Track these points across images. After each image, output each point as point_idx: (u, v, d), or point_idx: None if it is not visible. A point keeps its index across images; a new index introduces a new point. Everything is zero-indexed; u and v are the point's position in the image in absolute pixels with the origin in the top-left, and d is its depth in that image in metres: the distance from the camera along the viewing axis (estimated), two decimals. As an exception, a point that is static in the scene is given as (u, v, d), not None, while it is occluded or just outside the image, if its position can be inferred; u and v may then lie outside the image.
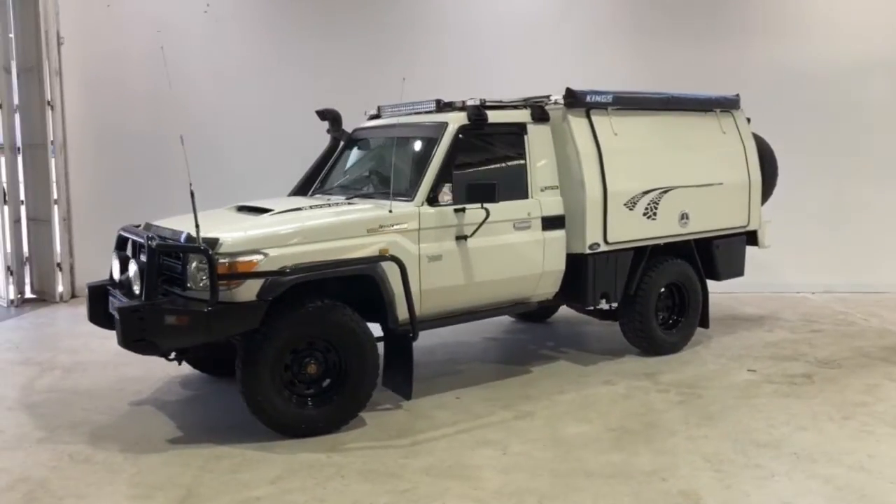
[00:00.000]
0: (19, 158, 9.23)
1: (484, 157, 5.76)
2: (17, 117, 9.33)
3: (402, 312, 5.06)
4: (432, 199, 5.29)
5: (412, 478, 4.16)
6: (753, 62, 9.20)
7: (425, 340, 6.89)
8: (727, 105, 7.04)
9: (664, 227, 6.41)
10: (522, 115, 5.86)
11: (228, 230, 4.70)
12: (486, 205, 5.33)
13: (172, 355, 4.93)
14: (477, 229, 5.33)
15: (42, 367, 6.36)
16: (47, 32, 9.07)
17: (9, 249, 8.92)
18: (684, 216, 6.52)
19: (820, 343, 7.01)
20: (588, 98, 6.02)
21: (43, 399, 5.55)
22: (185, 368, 5.82)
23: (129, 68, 9.40)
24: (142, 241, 4.71)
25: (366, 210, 5.15)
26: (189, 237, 4.62)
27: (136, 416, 5.19)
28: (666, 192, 6.39)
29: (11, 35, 9.18)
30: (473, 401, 5.44)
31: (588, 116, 6.06)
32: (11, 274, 8.95)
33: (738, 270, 7.20)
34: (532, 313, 7.64)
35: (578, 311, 6.85)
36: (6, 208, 8.96)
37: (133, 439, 4.74)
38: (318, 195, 6.10)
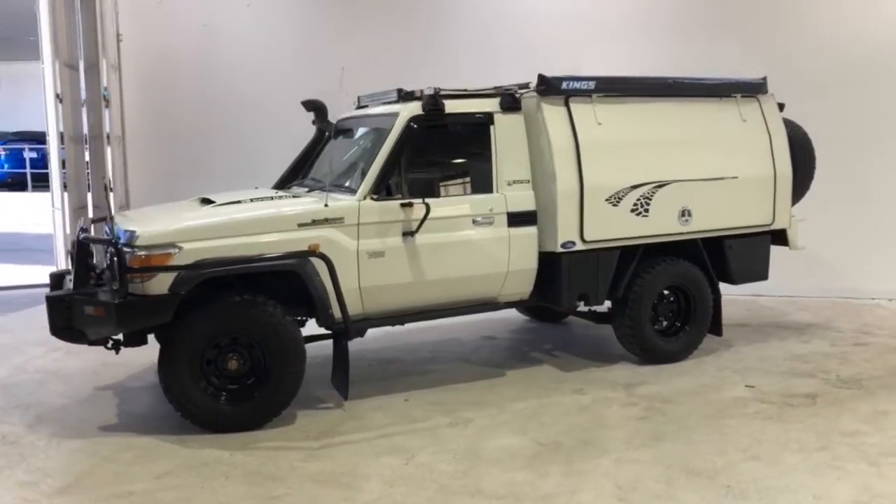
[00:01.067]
0: (85, 149, 9.84)
1: (441, 150, 5.48)
2: (83, 111, 9.95)
3: (337, 310, 4.91)
4: (377, 193, 5.09)
5: (294, 483, 4.02)
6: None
7: (412, 338, 6.76)
8: (750, 89, 6.34)
9: (659, 225, 5.87)
10: (489, 105, 5.52)
11: (150, 223, 4.73)
12: (428, 200, 5.06)
13: (109, 344, 5.00)
14: (420, 226, 5.08)
15: (49, 347, 6.70)
16: (104, 30, 9.57)
17: (68, 233, 9.52)
18: (686, 213, 5.94)
19: (855, 358, 6.21)
20: (564, 85, 5.58)
21: (25, 378, 5.86)
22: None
23: (178, 63, 9.76)
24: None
25: (301, 204, 5.04)
26: (125, 232, 4.70)
27: (92, 401, 5.35)
28: (661, 186, 5.84)
29: (79, 34, 9.77)
30: (419, 404, 5.22)
31: (567, 105, 5.62)
32: (72, 258, 9.54)
33: (759, 273, 6.49)
34: (546, 313, 7.28)
35: (569, 313, 6.43)
36: (66, 195, 9.56)
37: (69, 424, 4.90)
38: (294, 186, 6.04)
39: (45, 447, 4.54)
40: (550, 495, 3.86)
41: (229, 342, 4.73)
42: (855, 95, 8.18)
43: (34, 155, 19.02)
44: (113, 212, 5.39)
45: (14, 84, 25.40)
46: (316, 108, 6.43)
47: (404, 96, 5.47)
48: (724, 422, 4.86)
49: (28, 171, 19.27)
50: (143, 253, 4.51)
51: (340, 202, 5.01)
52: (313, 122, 6.50)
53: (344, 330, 4.98)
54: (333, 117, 6.35)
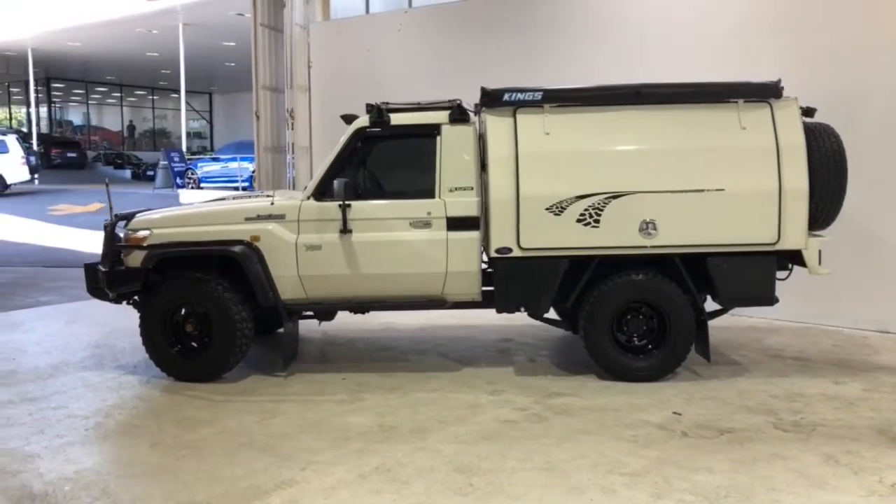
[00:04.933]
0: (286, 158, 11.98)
1: (385, 157, 6.05)
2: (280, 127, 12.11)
3: (281, 294, 5.84)
4: (321, 195, 5.89)
5: (162, 421, 5.06)
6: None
7: (434, 332, 7.34)
8: (755, 93, 5.78)
9: (612, 237, 5.71)
10: (437, 117, 5.95)
11: (146, 214, 6.14)
12: (352, 201, 5.72)
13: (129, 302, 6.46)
14: (344, 224, 5.75)
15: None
16: (295, 58, 11.56)
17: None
18: (648, 225, 5.69)
19: (865, 406, 5.34)
20: (506, 97, 5.77)
21: (129, 328, 7.69)
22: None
23: (349, 82, 11.36)
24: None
25: (251, 201, 6.05)
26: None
27: (137, 349, 6.92)
28: (616, 197, 5.68)
29: (287, 62, 11.93)
30: (348, 384, 5.86)
31: (514, 116, 5.81)
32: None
33: (759, 296, 5.86)
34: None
35: (540, 320, 6.46)
36: (261, 196, 11.74)
37: (101, 359, 6.54)
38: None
39: (68, 373, 6.17)
40: (316, 462, 4.35)
41: (191, 310, 5.93)
42: None
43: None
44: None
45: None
46: (352, 120, 7.35)
47: (368, 110, 6.17)
48: (580, 437, 4.75)
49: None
50: (128, 234, 5.93)
51: (286, 201, 5.92)
52: (349, 134, 7.43)
53: (286, 311, 5.87)
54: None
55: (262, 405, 5.39)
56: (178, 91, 40.01)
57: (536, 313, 5.99)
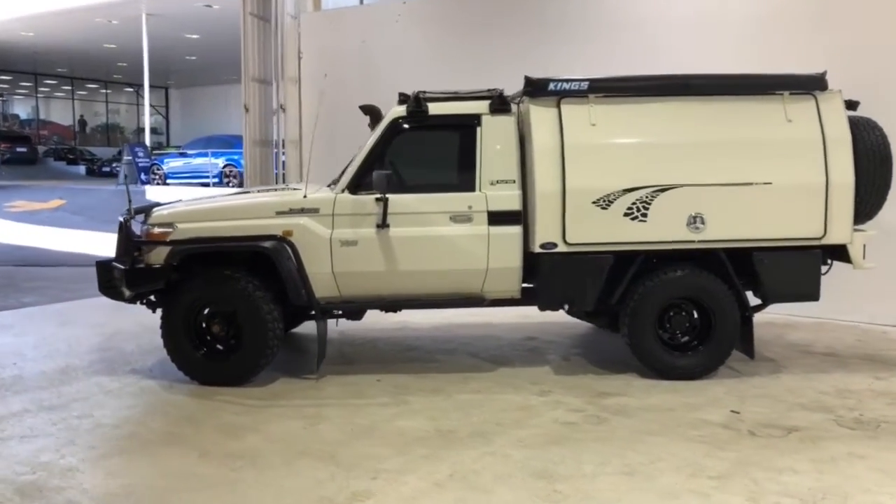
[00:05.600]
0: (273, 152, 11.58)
1: (424, 149, 5.80)
2: (274, 119, 11.70)
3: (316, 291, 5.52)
4: (356, 188, 5.60)
5: (202, 428, 4.73)
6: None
7: (453, 331, 7.10)
8: (801, 85, 5.68)
9: (660, 231, 5.56)
10: (477, 107, 5.71)
11: (167, 208, 5.76)
12: (391, 195, 5.44)
13: (145, 302, 6.05)
14: (383, 218, 5.48)
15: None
16: (285, 49, 11.17)
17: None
18: (697, 219, 5.55)
19: (914, 401, 5.29)
20: (551, 86, 5.57)
21: (129, 330, 7.26)
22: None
23: (343, 74, 11.02)
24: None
25: (284, 195, 5.72)
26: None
27: (148, 349, 6.52)
28: (663, 190, 5.53)
29: (275, 54, 11.51)
30: (385, 386, 5.60)
31: (559, 106, 5.60)
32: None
33: (804, 292, 5.76)
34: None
35: (577, 317, 6.30)
36: (250, 191, 11.33)
37: (112, 364, 6.14)
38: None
39: (80, 379, 5.76)
40: (384, 470, 4.09)
41: (217, 310, 5.58)
42: None
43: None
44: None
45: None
46: (371, 111, 7.06)
47: (402, 100, 5.90)
48: (650, 438, 4.58)
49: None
50: (149, 229, 5.55)
51: (319, 194, 5.62)
52: (368, 125, 7.14)
53: (318, 309, 5.56)
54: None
55: (302, 410, 5.09)
56: (132, 85, 38.93)
57: (581, 310, 5.80)
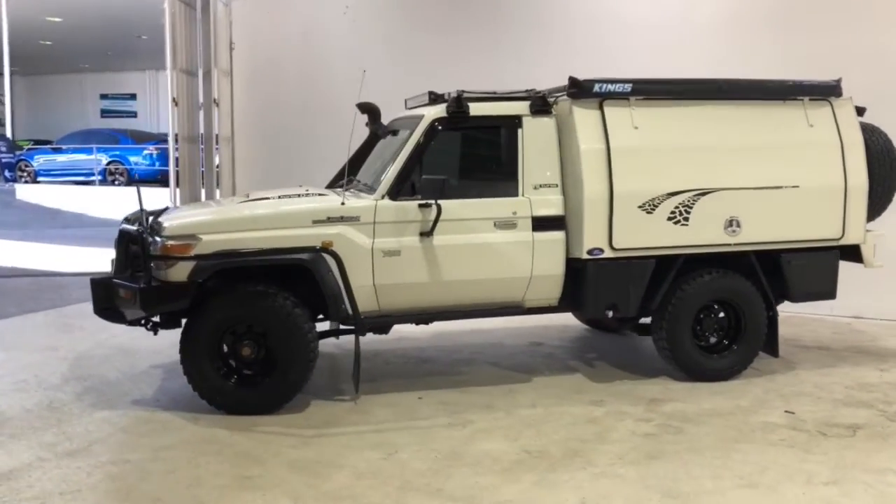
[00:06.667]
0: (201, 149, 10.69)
1: (465, 152, 5.50)
2: (201, 114, 10.82)
3: (349, 306, 5.06)
4: (396, 193, 5.20)
5: (271, 467, 4.21)
6: None
7: (455, 339, 6.82)
8: (820, 92, 5.86)
9: (700, 235, 5.56)
10: (517, 108, 5.48)
11: (182, 216, 5.10)
12: (442, 201, 5.09)
13: (148, 325, 5.36)
14: (433, 226, 5.13)
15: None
16: (217, 39, 10.35)
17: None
18: (733, 223, 5.60)
19: (935, 391, 5.59)
20: (596, 88, 5.43)
21: (99, 353, 6.44)
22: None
23: (281, 68, 10.37)
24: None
25: (318, 201, 5.23)
26: (156, 223, 5.10)
27: (140, 377, 5.80)
28: (704, 194, 5.54)
29: (199, 43, 10.63)
30: (431, 403, 5.27)
31: (601, 108, 5.47)
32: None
33: (824, 291, 5.98)
34: (603, 323, 7.09)
35: (606, 323, 6.23)
36: (178, 191, 10.42)
37: (111, 396, 5.37)
38: (339, 187, 6.26)
39: (79, 415, 5.00)
40: (507, 502, 3.79)
41: (245, 330, 5.00)
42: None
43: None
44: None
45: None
46: (369, 110, 6.61)
47: (434, 99, 5.55)
48: (739, 446, 4.55)
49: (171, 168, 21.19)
50: (166, 243, 4.88)
51: (357, 201, 5.17)
52: (366, 125, 6.70)
53: (358, 326, 5.12)
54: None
55: (364, 437, 4.66)
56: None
57: (625, 316, 5.71)
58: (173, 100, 10.14)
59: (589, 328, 7.34)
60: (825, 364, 6.29)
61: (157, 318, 5.21)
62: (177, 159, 10.48)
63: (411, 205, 5.17)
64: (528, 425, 4.86)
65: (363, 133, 9.14)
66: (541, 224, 5.38)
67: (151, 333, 5.31)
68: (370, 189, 5.43)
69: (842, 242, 5.88)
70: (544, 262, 5.40)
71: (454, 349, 6.65)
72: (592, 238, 5.40)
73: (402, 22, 9.89)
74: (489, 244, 5.31)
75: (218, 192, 10.65)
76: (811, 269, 5.89)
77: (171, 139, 10.62)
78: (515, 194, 5.39)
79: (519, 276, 5.40)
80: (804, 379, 5.88)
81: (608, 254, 5.43)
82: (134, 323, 5.20)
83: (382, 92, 9.53)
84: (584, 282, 5.48)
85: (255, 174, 10.65)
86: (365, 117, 6.68)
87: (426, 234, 5.18)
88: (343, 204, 5.11)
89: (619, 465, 4.25)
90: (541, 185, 5.42)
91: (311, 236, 4.99)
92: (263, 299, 4.92)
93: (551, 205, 5.42)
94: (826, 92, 5.89)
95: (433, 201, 5.08)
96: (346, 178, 6.45)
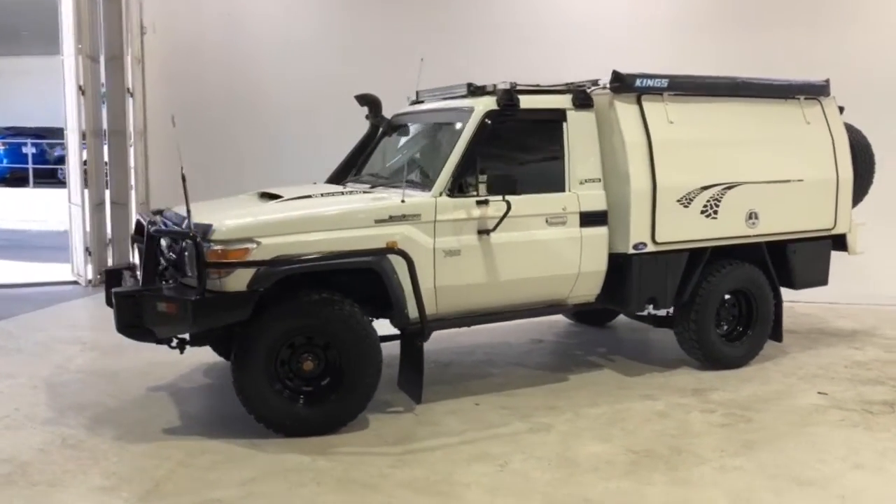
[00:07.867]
0: (104, 144, 9.56)
1: (515, 146, 5.31)
2: (104, 105, 9.67)
3: (413, 310, 4.72)
4: (453, 190, 4.91)
5: (391, 491, 3.83)
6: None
7: (465, 339, 6.59)
8: (813, 91, 6.23)
9: (727, 228, 5.74)
10: (562, 101, 5.36)
11: (225, 216, 4.51)
12: (508, 197, 4.87)
13: (174, 343, 4.74)
14: (499, 223, 4.90)
15: (85, 346, 6.47)
16: (129, 22, 9.31)
17: (88, 230, 9.23)
18: (752, 215, 5.81)
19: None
20: (638, 82, 5.44)
21: (70, 378, 5.60)
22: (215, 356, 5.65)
23: (202, 55, 9.52)
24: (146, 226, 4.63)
25: (376, 199, 4.84)
26: (197, 225, 4.46)
27: (146, 402, 5.12)
28: (730, 188, 5.71)
29: (101, 25, 9.48)
30: (491, 408, 5.04)
31: (639, 103, 5.48)
32: (90, 254, 9.28)
33: (819, 279, 6.38)
34: (590, 316, 7.16)
35: (629, 316, 6.29)
36: (87, 191, 9.27)
37: (130, 426, 4.66)
38: (350, 183, 5.83)
39: (112, 450, 4.30)
40: (663, 505, 3.70)
41: (304, 342, 4.51)
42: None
43: (34, 150, 18.61)
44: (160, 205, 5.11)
45: (7, 79, 24.96)
46: (370, 102, 6.25)
47: (475, 91, 5.30)
48: (811, 429, 4.73)
49: (30, 166, 18.77)
50: (219, 247, 4.29)
51: (417, 198, 4.83)
52: (367, 117, 6.30)
53: (419, 331, 4.78)
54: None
55: (458, 449, 4.37)
56: None
57: (662, 309, 5.76)
58: (80, 88, 9.00)
59: (574, 323, 7.37)
60: (808, 347, 6.69)
61: (186, 336, 4.60)
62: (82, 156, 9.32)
63: (470, 201, 4.91)
64: (608, 424, 4.78)
65: (312, 127, 8.60)
66: (588, 219, 5.31)
67: (178, 352, 4.68)
68: (388, 184, 5.16)
69: (833, 232, 6.30)
70: (591, 258, 5.34)
71: (466, 351, 6.42)
72: (637, 233, 5.40)
73: (332, 7, 9.40)
74: (542, 241, 5.17)
75: (133, 193, 9.58)
76: (810, 257, 6.26)
77: (73, 134, 9.41)
78: (563, 189, 5.28)
79: (568, 273, 5.30)
80: (804, 361, 6.23)
81: (651, 248, 5.46)
82: (163, 341, 4.55)
83: (310, 80, 9.11)
84: (627, 277, 5.47)
85: (173, 172, 9.69)
86: (365, 109, 6.32)
87: (485, 231, 4.93)
88: (404, 201, 4.74)
89: (727, 458, 4.27)
90: (586, 180, 5.35)
91: (375, 237, 4.60)
92: (330, 307, 4.46)
93: (596, 200, 5.36)
94: (818, 91, 6.27)
95: (500, 197, 4.84)
96: (354, 172, 6.08)
